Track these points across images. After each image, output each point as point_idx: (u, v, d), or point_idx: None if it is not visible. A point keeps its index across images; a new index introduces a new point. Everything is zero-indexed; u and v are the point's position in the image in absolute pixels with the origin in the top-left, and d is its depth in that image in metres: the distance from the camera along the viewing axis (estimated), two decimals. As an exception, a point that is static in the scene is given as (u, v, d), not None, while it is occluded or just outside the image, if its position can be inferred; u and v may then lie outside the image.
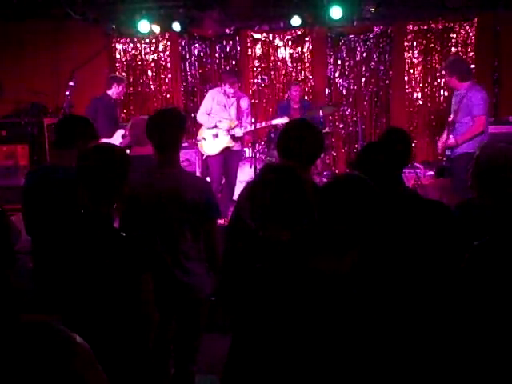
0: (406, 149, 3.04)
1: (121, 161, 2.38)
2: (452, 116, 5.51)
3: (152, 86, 8.68)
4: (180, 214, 2.93)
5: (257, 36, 8.40)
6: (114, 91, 6.47)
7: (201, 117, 6.65)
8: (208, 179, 6.96)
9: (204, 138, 6.59)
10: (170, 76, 8.64)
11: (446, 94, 7.78)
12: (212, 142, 6.53)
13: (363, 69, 8.21)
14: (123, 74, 8.64)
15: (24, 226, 3.37)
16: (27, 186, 3.40)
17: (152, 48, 8.60)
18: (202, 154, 6.91)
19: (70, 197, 2.49)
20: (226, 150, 6.49)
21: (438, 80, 7.91)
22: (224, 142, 6.45)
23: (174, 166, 3.06)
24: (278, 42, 8.40)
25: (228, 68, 8.53)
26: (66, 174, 3.04)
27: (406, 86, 8.09)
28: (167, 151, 3.02)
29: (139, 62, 8.66)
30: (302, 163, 2.56)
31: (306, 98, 8.04)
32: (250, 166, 6.44)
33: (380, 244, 1.97)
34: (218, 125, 6.48)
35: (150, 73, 8.67)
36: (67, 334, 0.94)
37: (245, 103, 6.67)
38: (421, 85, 8.06)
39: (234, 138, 6.49)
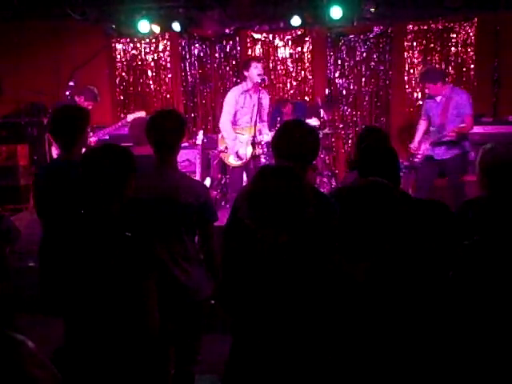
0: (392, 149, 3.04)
1: (126, 161, 2.38)
2: (437, 120, 5.64)
3: (152, 86, 8.68)
4: (176, 215, 2.93)
5: (257, 36, 8.39)
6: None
7: (224, 125, 6.18)
8: (208, 179, 6.97)
9: (227, 149, 6.25)
10: (169, 76, 8.64)
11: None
12: (234, 151, 6.17)
13: (363, 69, 8.20)
14: (123, 74, 8.67)
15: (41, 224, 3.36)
16: (38, 183, 3.39)
17: (152, 48, 8.60)
18: (225, 164, 6.57)
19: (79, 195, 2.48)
20: (252, 159, 6.00)
21: (438, 80, 7.90)
22: (249, 151, 5.96)
23: (171, 166, 3.06)
24: (278, 42, 8.39)
25: (228, 68, 8.53)
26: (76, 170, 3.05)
27: (406, 86, 8.09)
28: (164, 151, 3.03)
29: (139, 62, 8.65)
30: (298, 164, 2.55)
31: (298, 98, 8.05)
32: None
33: (393, 250, 1.98)
34: (239, 137, 6.10)
35: (150, 73, 8.67)
36: (13, 336, 0.95)
37: (266, 101, 6.31)
38: (421, 85, 8.05)
39: (258, 144, 6.04)
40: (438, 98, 5.71)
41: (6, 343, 0.93)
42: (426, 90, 5.78)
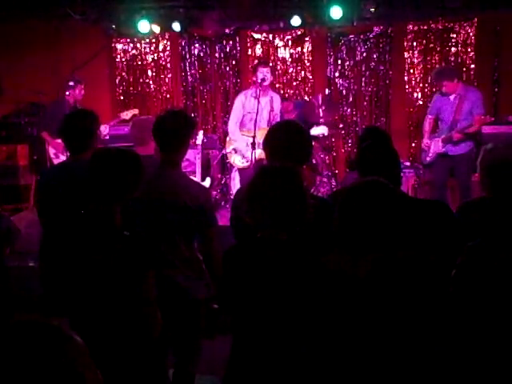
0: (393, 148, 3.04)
1: (134, 164, 2.39)
2: (450, 117, 5.72)
3: (152, 86, 8.68)
4: (173, 216, 2.91)
5: (257, 36, 8.39)
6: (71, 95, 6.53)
7: (231, 129, 6.34)
8: (208, 179, 6.96)
9: (235, 150, 6.32)
10: (169, 76, 8.64)
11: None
12: (244, 153, 6.25)
13: (363, 69, 8.19)
14: (123, 74, 8.67)
15: (41, 225, 3.36)
16: (45, 183, 3.40)
17: (152, 48, 8.59)
18: (225, 164, 6.58)
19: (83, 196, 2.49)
20: (260, 161, 5.74)
21: (438, 80, 7.89)
22: (257, 152, 5.82)
23: (173, 167, 3.04)
24: (278, 41, 8.39)
25: (228, 68, 8.53)
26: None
27: (406, 86, 8.08)
28: (169, 152, 3.01)
29: (139, 62, 8.65)
30: (290, 164, 2.54)
31: (298, 98, 8.02)
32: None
33: (394, 248, 1.97)
34: (247, 140, 6.07)
35: (150, 73, 8.67)
36: (62, 330, 0.93)
37: (277, 104, 6.35)
38: (421, 85, 8.05)
39: (259, 145, 5.75)
40: (452, 97, 5.79)
41: (56, 339, 0.90)
42: (444, 89, 5.82)
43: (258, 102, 5.98)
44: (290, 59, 8.40)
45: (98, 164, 2.35)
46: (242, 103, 6.24)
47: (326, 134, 7.07)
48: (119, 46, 8.60)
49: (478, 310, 2.05)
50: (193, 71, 8.64)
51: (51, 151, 6.51)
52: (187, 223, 2.95)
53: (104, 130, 6.47)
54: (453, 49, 7.86)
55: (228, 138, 6.53)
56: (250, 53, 8.40)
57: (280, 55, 8.42)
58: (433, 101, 6.21)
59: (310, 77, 8.36)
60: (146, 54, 8.63)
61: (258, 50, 8.44)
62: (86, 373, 0.90)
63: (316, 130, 6.94)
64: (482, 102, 5.79)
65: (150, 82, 8.68)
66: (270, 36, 8.36)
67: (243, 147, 6.25)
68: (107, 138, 6.60)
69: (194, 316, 3.08)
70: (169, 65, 8.62)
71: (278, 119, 6.29)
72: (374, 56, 8.13)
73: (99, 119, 3.44)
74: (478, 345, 2.03)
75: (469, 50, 7.78)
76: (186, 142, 3.08)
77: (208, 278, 3.05)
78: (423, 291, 1.99)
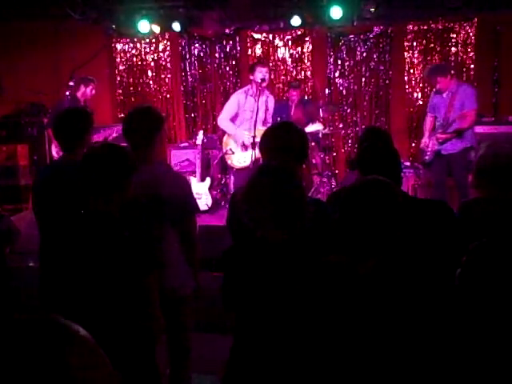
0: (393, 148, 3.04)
1: (126, 160, 2.39)
2: (443, 114, 5.74)
3: (152, 86, 8.68)
4: (156, 210, 2.91)
5: (257, 36, 8.40)
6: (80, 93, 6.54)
7: (222, 122, 6.30)
8: (208, 179, 6.97)
9: (231, 150, 6.30)
10: (169, 76, 8.65)
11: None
12: (241, 153, 6.25)
13: (363, 69, 8.20)
14: (123, 74, 8.68)
15: (38, 225, 3.35)
16: (37, 184, 3.39)
17: (152, 48, 8.60)
18: (230, 166, 6.54)
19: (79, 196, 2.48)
20: (257, 161, 5.72)
21: (438, 80, 7.90)
22: (256, 152, 5.74)
23: (149, 162, 3.02)
24: (278, 42, 8.40)
25: (228, 68, 8.54)
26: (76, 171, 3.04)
27: (406, 86, 8.09)
28: (140, 148, 3.00)
29: (139, 62, 8.66)
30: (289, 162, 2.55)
31: (306, 97, 8.03)
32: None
33: (396, 247, 1.97)
34: (244, 140, 6.11)
35: (150, 73, 8.67)
36: (66, 326, 0.90)
37: (272, 104, 6.37)
38: (421, 85, 8.05)
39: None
40: (445, 94, 5.81)
41: (54, 333, 0.88)
42: (437, 86, 5.82)
43: (258, 102, 5.98)
44: (289, 59, 8.40)
45: (87, 162, 2.36)
46: (238, 101, 6.23)
47: (321, 130, 6.98)
48: (119, 46, 8.61)
49: (484, 310, 2.04)
50: (193, 71, 8.65)
51: (54, 150, 6.52)
52: (174, 215, 2.96)
53: (111, 133, 6.49)
54: (453, 49, 7.87)
55: (225, 138, 6.48)
56: (250, 53, 8.41)
57: (280, 55, 8.42)
58: (430, 99, 6.23)
59: (310, 77, 8.36)
60: (146, 54, 8.64)
61: (258, 50, 8.44)
62: (83, 374, 0.87)
63: (312, 127, 6.90)
64: (475, 98, 5.73)
65: (150, 82, 8.69)
66: (270, 36, 8.36)
67: (238, 135, 6.20)
68: (116, 135, 6.61)
69: (183, 311, 3.09)
70: (169, 65, 8.62)
71: (271, 118, 6.35)
72: (374, 56, 8.13)
73: (92, 117, 3.41)
74: (484, 344, 2.02)
75: (469, 49, 7.79)
76: (155, 137, 3.05)
77: (191, 270, 3.07)
78: (425, 290, 1.99)
